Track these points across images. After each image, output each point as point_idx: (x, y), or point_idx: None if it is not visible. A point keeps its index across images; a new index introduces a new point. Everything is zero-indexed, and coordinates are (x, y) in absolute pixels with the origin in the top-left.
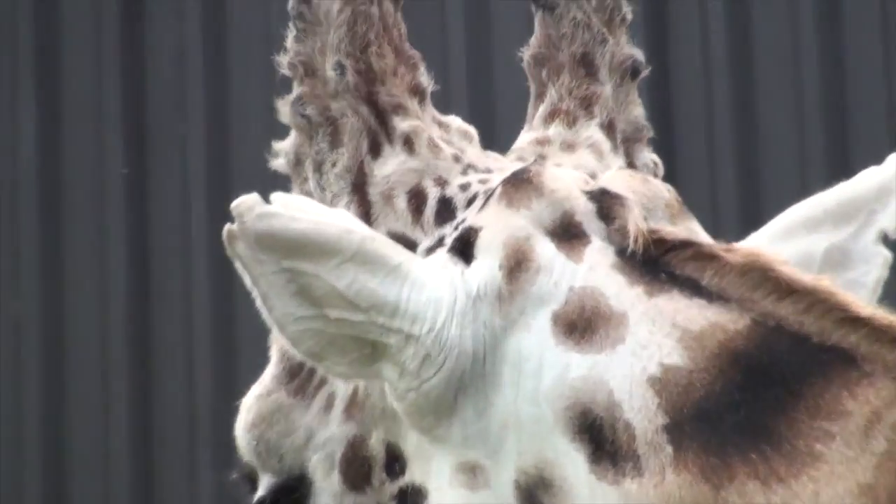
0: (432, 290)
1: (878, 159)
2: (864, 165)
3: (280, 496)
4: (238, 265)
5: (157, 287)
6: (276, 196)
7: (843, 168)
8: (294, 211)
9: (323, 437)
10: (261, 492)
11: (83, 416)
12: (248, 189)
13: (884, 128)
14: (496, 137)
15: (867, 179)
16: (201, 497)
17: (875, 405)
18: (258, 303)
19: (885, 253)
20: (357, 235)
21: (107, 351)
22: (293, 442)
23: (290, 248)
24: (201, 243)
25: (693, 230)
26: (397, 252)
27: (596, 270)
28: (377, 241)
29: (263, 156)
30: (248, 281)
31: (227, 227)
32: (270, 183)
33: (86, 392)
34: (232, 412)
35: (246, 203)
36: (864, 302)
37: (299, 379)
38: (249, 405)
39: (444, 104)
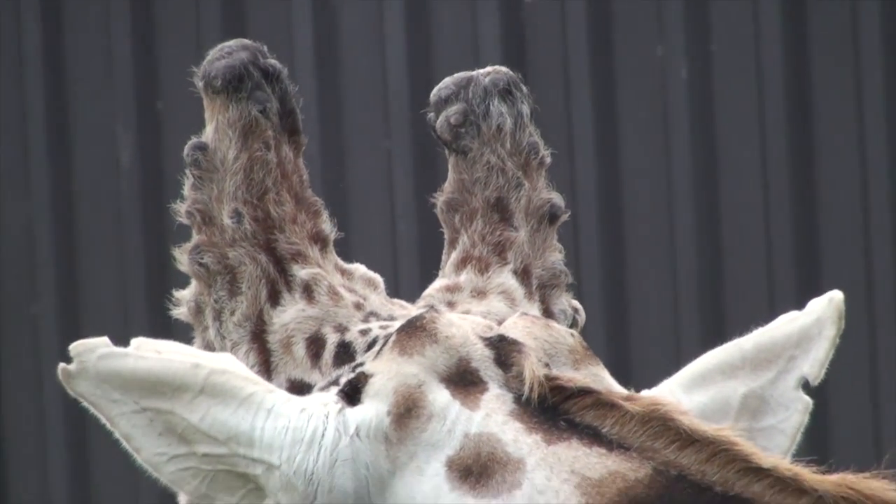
0: (289, 419)
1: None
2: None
3: None
4: (86, 404)
5: None
6: (135, 340)
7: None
8: (146, 352)
9: None
10: None
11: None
12: None
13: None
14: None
15: (787, 325)
16: None
17: None
18: (123, 445)
19: (806, 399)
20: (204, 370)
21: None
22: None
23: (143, 387)
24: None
25: (598, 375)
26: (250, 383)
27: (492, 417)
28: (227, 373)
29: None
30: (104, 421)
31: (62, 366)
32: None
33: None
34: None
35: (85, 345)
36: (781, 449)
37: None
38: None
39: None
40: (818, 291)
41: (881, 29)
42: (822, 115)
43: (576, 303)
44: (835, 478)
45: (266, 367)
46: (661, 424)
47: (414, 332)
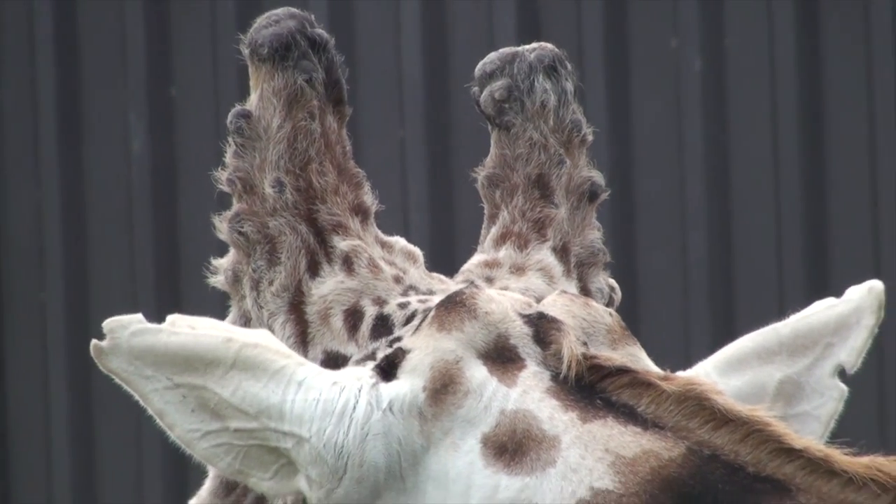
0: (320, 391)
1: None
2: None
3: None
4: (118, 381)
5: None
6: (170, 317)
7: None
8: (180, 328)
9: None
10: None
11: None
12: None
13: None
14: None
15: (824, 311)
16: None
17: None
18: (157, 421)
19: (842, 387)
20: (236, 344)
21: None
22: None
23: (175, 362)
24: None
25: (635, 355)
26: (281, 357)
27: (529, 394)
28: (259, 347)
29: None
30: (136, 398)
31: (94, 343)
32: None
33: None
34: None
35: (119, 321)
36: (814, 435)
37: (235, 494)
38: None
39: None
40: (827, 280)
41: (893, 24)
42: (834, 108)
43: (612, 281)
44: (865, 460)
45: (303, 339)
46: (697, 404)
47: (453, 308)
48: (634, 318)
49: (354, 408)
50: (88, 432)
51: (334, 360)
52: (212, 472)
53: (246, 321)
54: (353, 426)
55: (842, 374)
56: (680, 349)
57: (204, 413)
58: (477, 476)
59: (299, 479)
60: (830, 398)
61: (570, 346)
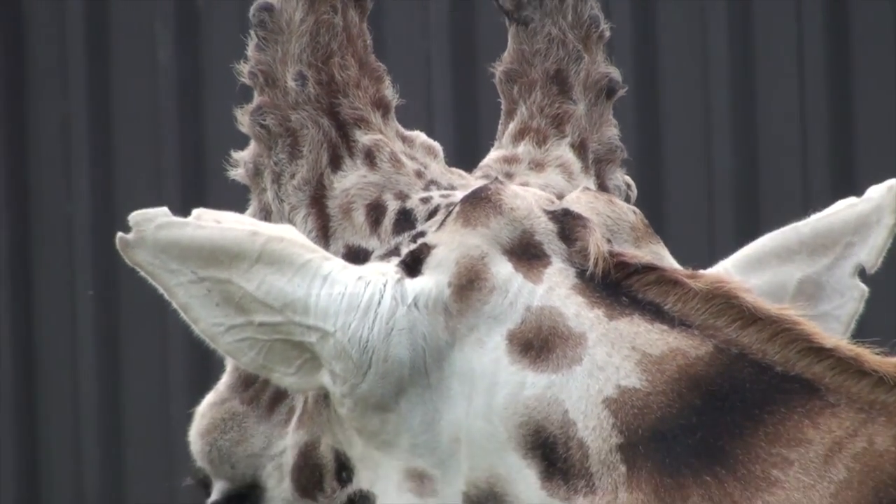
0: (345, 286)
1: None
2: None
3: (233, 502)
4: (143, 274)
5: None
6: (196, 210)
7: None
8: (207, 221)
9: (280, 447)
10: (214, 496)
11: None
12: None
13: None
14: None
15: (845, 211)
16: None
17: (837, 435)
18: (181, 315)
19: (862, 287)
20: (262, 237)
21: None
22: (246, 450)
23: (201, 256)
24: None
25: (658, 254)
26: (307, 251)
27: (555, 291)
28: (285, 241)
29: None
30: (161, 291)
31: (120, 235)
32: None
33: None
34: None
35: (144, 214)
36: (834, 334)
37: (253, 388)
38: (203, 412)
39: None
40: (853, 180)
41: None
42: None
43: (628, 179)
44: (895, 360)
45: (324, 233)
46: (725, 302)
47: (478, 203)
48: (659, 218)
49: (379, 303)
50: (114, 342)
51: (356, 255)
52: (230, 367)
53: (266, 214)
54: (378, 321)
55: (862, 273)
56: (704, 251)
57: (228, 307)
58: (503, 373)
59: (323, 374)
60: (851, 298)
61: (597, 243)
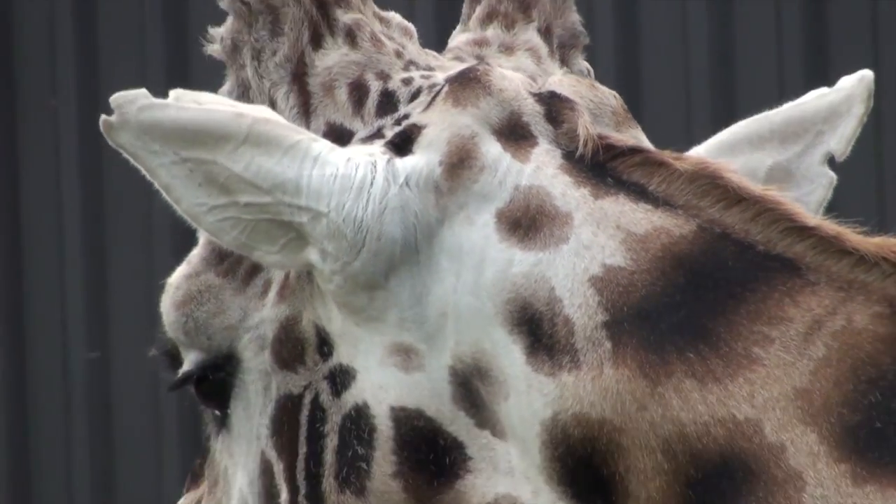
0: (336, 167)
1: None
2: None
3: (207, 372)
4: (126, 156)
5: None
6: (174, 91)
7: None
8: (187, 102)
9: (256, 319)
10: (187, 367)
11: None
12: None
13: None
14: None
15: (816, 100)
16: None
17: (817, 313)
18: (163, 196)
19: (830, 174)
20: (248, 119)
21: None
22: (223, 322)
23: (183, 137)
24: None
25: (638, 139)
26: (294, 132)
27: (542, 171)
28: (271, 122)
29: None
30: (143, 172)
31: (103, 118)
32: None
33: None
34: None
35: (125, 96)
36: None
37: (228, 262)
38: (178, 284)
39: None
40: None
41: None
42: None
43: (587, 64)
44: (877, 240)
45: (305, 109)
46: (709, 182)
47: (468, 84)
48: (637, 105)
49: (372, 182)
50: (100, 235)
51: (338, 134)
52: (203, 240)
53: (243, 90)
54: (371, 201)
55: (831, 161)
56: (682, 139)
57: (211, 187)
58: (491, 250)
59: (308, 252)
60: (820, 185)
61: (586, 126)
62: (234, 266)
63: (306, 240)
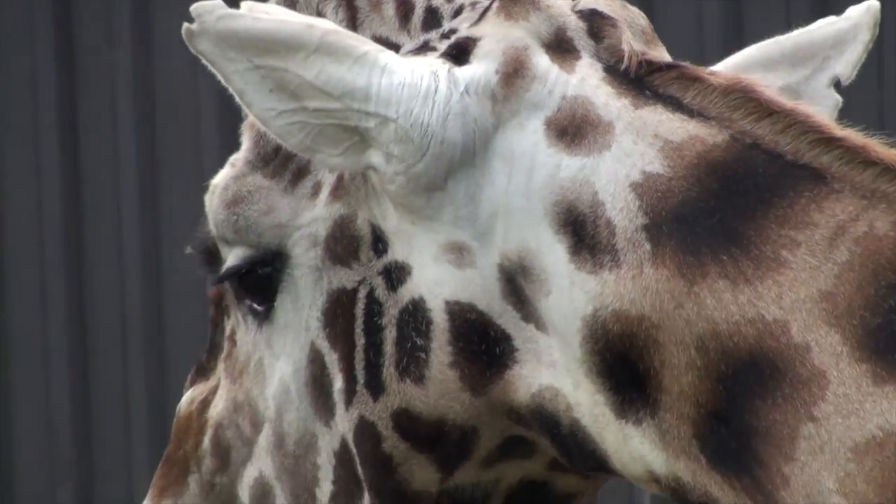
0: (403, 75)
1: None
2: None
3: (255, 267)
4: (204, 62)
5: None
6: (245, 3)
7: None
8: (259, 13)
9: (307, 218)
10: (233, 261)
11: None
12: None
13: None
14: None
15: (825, 27)
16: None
17: (841, 219)
18: (237, 99)
19: (836, 97)
20: (318, 30)
21: None
22: (273, 220)
23: (257, 46)
24: None
25: (664, 58)
26: (362, 43)
27: (586, 82)
28: (340, 33)
29: None
30: (220, 78)
31: (186, 26)
32: None
33: None
34: None
35: (205, 6)
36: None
37: (273, 165)
38: (226, 184)
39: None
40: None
41: None
42: None
43: None
44: None
45: (353, 24)
46: (742, 96)
47: (518, 0)
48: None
49: (436, 90)
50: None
51: (385, 47)
52: (246, 144)
53: (290, 4)
54: (436, 107)
55: (837, 85)
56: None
57: (282, 93)
58: (541, 155)
59: (370, 154)
60: (826, 106)
61: (629, 41)
62: (280, 169)
63: (369, 143)
